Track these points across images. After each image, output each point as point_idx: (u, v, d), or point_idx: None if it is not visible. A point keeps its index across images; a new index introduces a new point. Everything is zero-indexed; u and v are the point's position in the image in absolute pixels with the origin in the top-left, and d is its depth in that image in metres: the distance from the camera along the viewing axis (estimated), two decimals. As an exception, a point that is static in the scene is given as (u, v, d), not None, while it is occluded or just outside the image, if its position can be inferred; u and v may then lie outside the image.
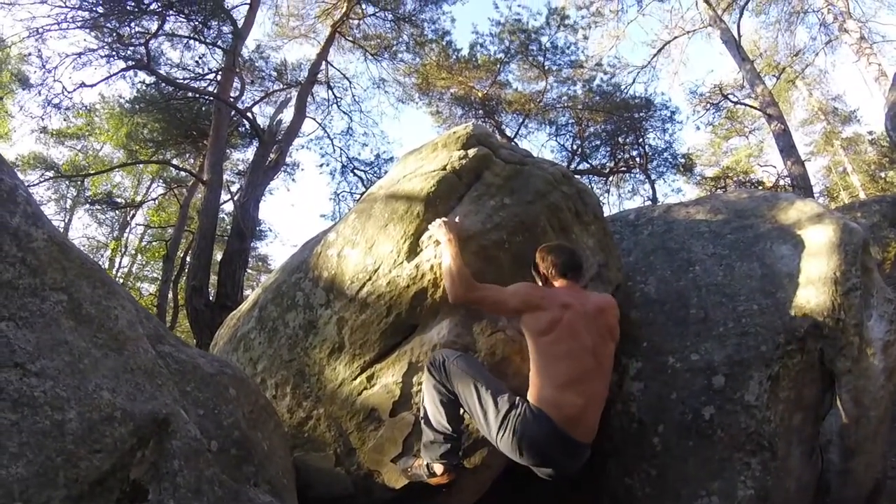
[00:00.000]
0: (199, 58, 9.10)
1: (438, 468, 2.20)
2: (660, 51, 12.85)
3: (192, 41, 8.79)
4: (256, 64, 11.49)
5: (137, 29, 7.75)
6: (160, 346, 1.85)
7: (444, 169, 2.80)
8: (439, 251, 2.52)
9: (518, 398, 2.08)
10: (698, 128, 14.09)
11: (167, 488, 1.40)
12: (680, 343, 3.17)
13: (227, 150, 11.85)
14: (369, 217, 2.92)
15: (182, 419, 1.58)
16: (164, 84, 8.47)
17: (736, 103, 12.03)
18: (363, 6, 10.73)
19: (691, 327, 3.21)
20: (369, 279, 2.72)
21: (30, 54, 7.65)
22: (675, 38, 12.79)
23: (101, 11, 7.27)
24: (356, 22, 11.24)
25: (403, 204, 2.80)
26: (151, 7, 7.59)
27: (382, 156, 13.06)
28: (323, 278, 2.93)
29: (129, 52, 7.70)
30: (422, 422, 2.30)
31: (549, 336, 2.12)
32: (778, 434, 2.78)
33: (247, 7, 9.08)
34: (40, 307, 1.43)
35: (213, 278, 8.27)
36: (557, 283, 2.37)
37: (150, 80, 8.44)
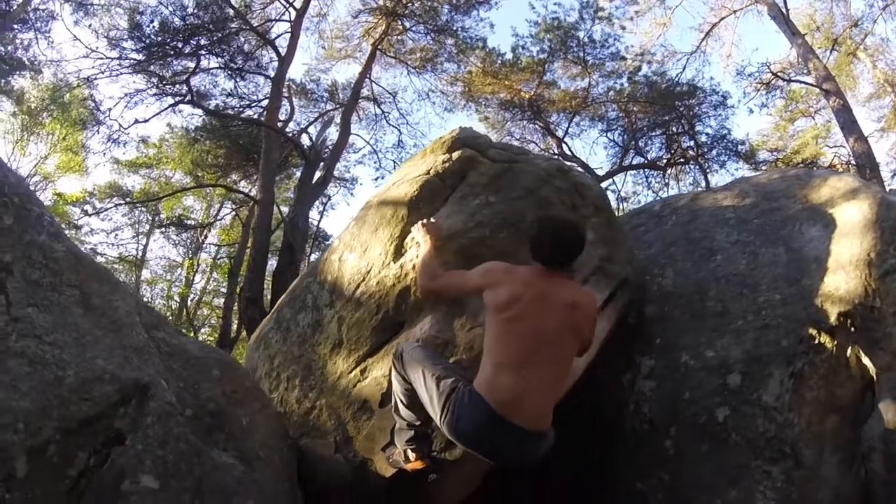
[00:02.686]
0: (234, 87, 9.59)
1: (411, 454, 2.17)
2: (708, 34, 11.87)
3: (240, 71, 9.40)
4: (308, 87, 12.04)
5: (179, 68, 8.39)
6: (155, 332, 2.17)
7: (427, 173, 2.84)
8: (420, 251, 2.53)
9: (462, 382, 1.96)
10: (751, 111, 12.63)
11: (139, 437, 1.72)
12: (694, 339, 2.89)
13: (290, 170, 12.41)
14: (364, 223, 3.02)
15: (161, 387, 1.87)
16: (211, 116, 9.15)
17: (789, 81, 10.83)
18: (401, 22, 10.87)
19: (708, 321, 2.92)
20: (363, 280, 2.80)
21: (85, 99, 8.51)
22: (722, 18, 11.77)
23: (140, 58, 7.97)
24: (398, 37, 11.43)
25: (391, 209, 2.86)
26: (185, 50, 8.16)
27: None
28: (328, 281, 3.05)
29: (175, 88, 8.33)
30: (392, 410, 2.29)
31: (505, 312, 1.95)
32: (804, 440, 2.44)
33: (289, 35, 9.56)
34: (58, 299, 1.83)
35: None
36: (537, 267, 2.13)
37: (198, 112, 9.14)
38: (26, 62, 8.72)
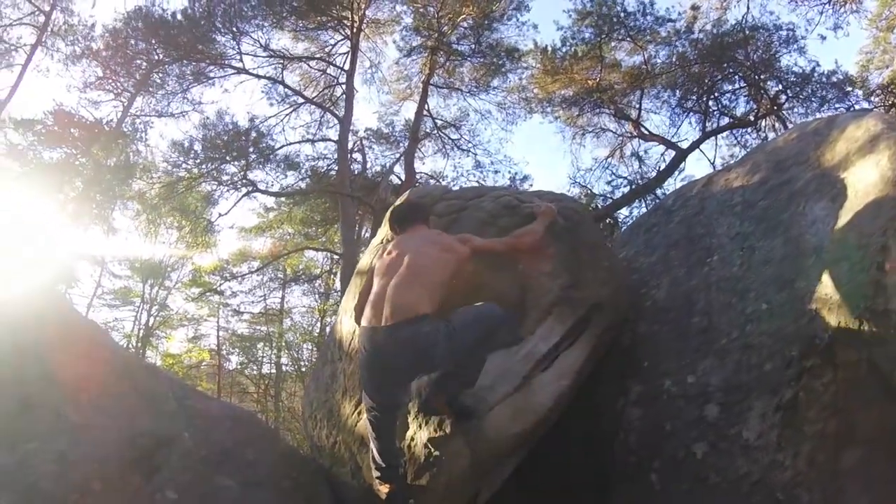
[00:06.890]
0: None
1: (379, 483, 2.35)
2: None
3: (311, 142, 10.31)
4: (384, 132, 12.19)
5: (238, 167, 9.38)
6: (185, 401, 2.92)
7: (381, 242, 2.85)
8: None
9: None
10: (823, 38, 9.47)
11: (169, 468, 2.39)
12: (678, 362, 2.40)
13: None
14: (350, 290, 3.28)
15: (183, 437, 2.58)
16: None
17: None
18: (445, 52, 10.65)
19: (692, 340, 2.41)
20: (352, 339, 2.98)
21: (174, 208, 9.98)
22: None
23: (199, 172, 9.27)
24: (449, 67, 11.24)
25: (359, 277, 2.95)
26: (233, 155, 9.20)
27: (517, 177, 12.31)
28: (336, 339, 3.31)
29: (243, 181, 9.44)
30: None
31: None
32: (804, 483, 1.86)
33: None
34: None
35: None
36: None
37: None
38: (139, 167, 10.14)
